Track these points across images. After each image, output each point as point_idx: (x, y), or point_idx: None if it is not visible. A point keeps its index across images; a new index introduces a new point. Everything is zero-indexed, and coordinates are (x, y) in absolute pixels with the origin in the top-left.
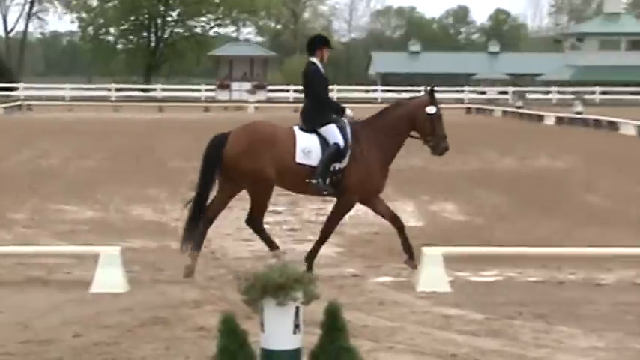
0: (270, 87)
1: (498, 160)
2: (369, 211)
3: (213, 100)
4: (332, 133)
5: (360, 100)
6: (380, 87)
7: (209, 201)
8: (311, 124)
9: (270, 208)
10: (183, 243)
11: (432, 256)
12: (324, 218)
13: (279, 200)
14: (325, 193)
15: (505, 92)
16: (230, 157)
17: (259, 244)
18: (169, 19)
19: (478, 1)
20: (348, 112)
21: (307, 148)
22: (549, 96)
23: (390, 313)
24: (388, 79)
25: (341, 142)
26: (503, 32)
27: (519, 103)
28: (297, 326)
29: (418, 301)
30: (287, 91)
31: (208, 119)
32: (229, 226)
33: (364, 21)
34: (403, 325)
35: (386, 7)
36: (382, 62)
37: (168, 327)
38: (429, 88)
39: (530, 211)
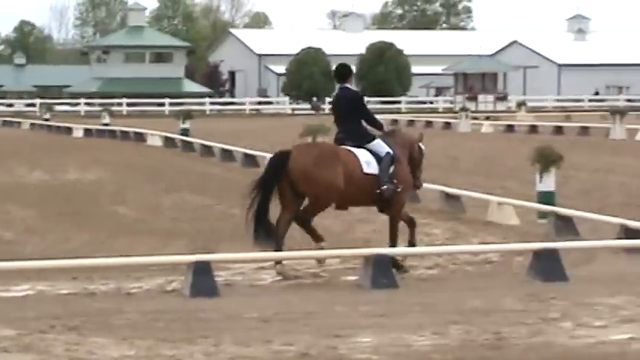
0: None
1: (28, 173)
2: None
3: None
4: (381, 146)
5: None
6: None
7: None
8: (359, 142)
9: None
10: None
11: None
12: None
13: None
14: (399, 190)
15: (33, 105)
16: (299, 170)
17: None
18: None
19: (1, 12)
20: (385, 127)
21: (367, 160)
22: (77, 108)
23: None
24: None
25: (391, 151)
26: (29, 44)
27: (47, 116)
28: None
29: None
30: None
31: None
32: None
33: None
34: None
35: None
36: None
37: None
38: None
39: (60, 224)
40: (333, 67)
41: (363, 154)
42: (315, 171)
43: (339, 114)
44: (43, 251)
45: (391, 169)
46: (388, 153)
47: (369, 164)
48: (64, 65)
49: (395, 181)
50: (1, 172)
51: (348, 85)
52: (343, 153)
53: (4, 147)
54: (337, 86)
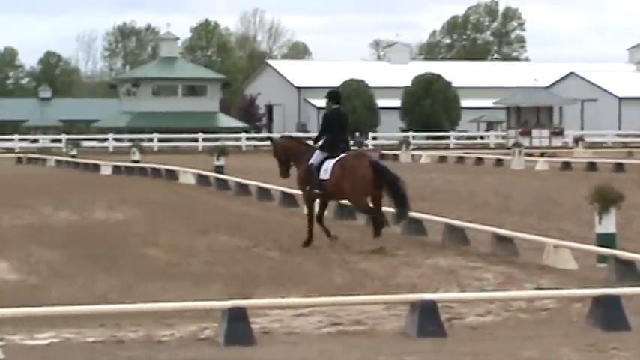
0: None
1: (54, 213)
2: None
3: None
4: None
5: None
6: None
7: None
8: (348, 151)
9: None
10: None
11: None
12: None
13: None
14: None
15: (59, 140)
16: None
17: None
18: None
19: (26, 43)
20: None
21: None
22: (106, 144)
23: None
24: None
25: None
26: (55, 76)
27: (74, 152)
28: None
29: None
30: None
31: None
32: None
33: None
34: None
35: None
36: None
37: None
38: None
39: (88, 267)
40: (330, 91)
41: None
42: None
43: (340, 129)
44: (69, 296)
45: None
46: None
47: None
48: (92, 99)
49: None
50: (25, 212)
51: (339, 106)
52: None
53: (28, 185)
54: (332, 106)
